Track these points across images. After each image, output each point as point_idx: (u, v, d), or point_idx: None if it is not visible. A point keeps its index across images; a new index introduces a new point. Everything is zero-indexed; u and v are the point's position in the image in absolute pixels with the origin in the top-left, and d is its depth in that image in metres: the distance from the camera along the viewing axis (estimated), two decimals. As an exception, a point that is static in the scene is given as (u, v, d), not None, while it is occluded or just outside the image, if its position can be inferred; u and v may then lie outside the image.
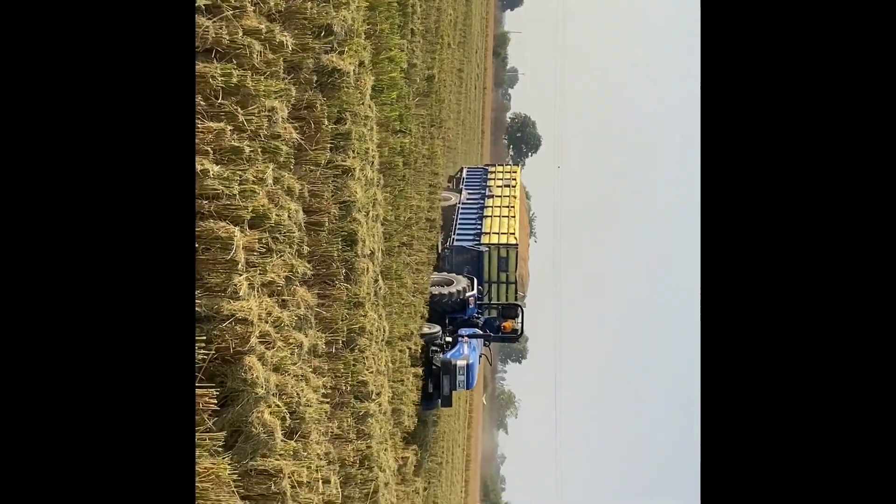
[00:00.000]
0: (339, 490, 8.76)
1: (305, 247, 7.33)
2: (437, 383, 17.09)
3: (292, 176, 6.86)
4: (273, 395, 6.30)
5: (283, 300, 6.81)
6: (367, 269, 9.79)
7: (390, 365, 11.95)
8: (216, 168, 5.09)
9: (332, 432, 8.64)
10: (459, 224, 24.84)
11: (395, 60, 11.94)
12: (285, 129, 6.40)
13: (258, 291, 5.97)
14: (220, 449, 5.26)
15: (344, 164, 8.71)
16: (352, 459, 9.51)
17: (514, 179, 28.29)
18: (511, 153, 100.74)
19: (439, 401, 17.78)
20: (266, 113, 5.98)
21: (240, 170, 5.49)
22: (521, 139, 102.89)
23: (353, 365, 9.36)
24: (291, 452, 6.92)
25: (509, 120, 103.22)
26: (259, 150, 5.82)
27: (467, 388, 18.49)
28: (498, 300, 23.26)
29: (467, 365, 17.39)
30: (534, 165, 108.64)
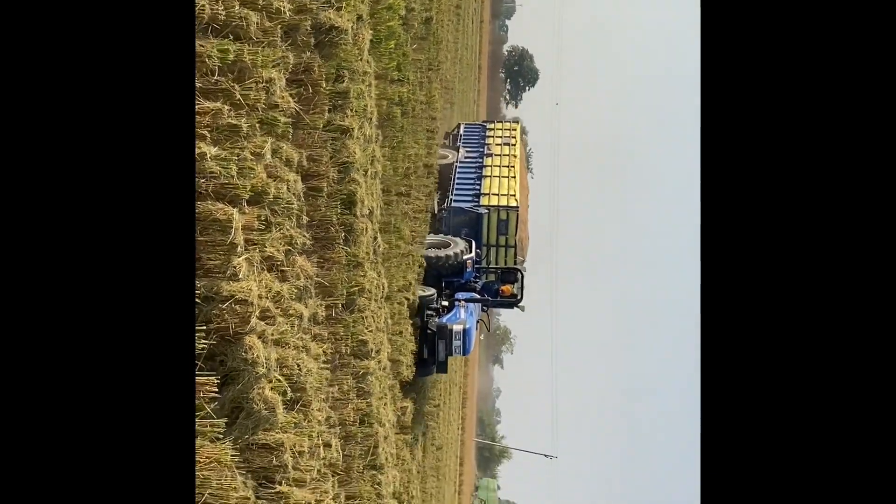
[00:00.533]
0: (340, 452, 8.76)
1: (305, 217, 7.19)
2: (432, 348, 16.32)
3: (291, 146, 6.70)
4: (274, 371, 6.23)
5: (283, 272, 6.70)
6: (366, 228, 9.67)
7: (389, 321, 11.90)
8: (213, 150, 4.95)
9: (332, 396, 8.60)
10: (457, 184, 23.75)
11: (394, 8, 11.67)
12: (283, 98, 6.22)
13: (258, 268, 5.86)
14: (221, 435, 5.20)
15: (342, 124, 8.54)
16: (352, 419, 9.50)
17: (514, 137, 27.10)
18: (508, 87, 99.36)
19: (434, 367, 17.00)
20: (263, 84, 5.80)
21: (237, 148, 5.34)
22: (518, 73, 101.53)
23: (353, 326, 9.30)
24: (293, 424, 6.88)
25: (506, 53, 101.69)
26: (256, 124, 5.66)
27: (464, 355, 17.57)
28: (497, 264, 22.30)
29: (464, 330, 16.59)
30: (531, 100, 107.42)
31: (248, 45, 5.58)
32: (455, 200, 22.81)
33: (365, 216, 9.59)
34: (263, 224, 6.03)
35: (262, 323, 5.96)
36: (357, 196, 9.02)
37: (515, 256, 22.77)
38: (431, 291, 16.82)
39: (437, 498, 23.75)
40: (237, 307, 5.51)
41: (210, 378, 4.92)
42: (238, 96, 5.22)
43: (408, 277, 14.95)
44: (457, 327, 16.50)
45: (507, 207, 22.86)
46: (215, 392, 4.99)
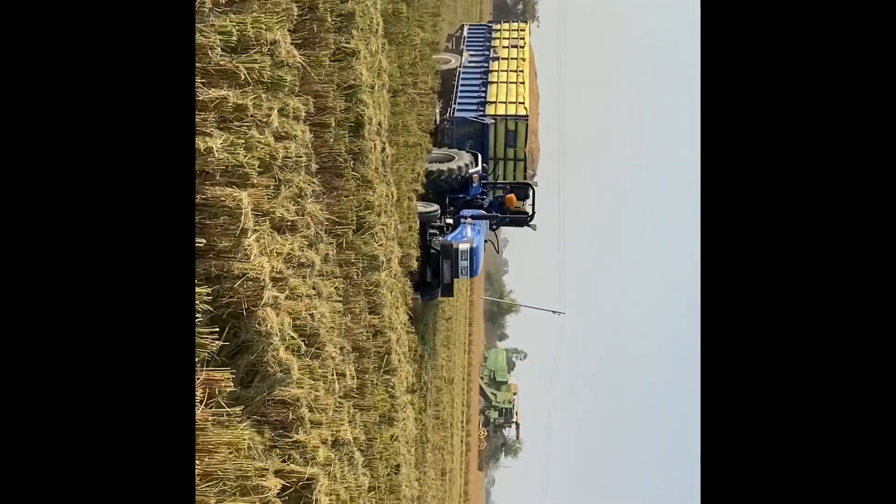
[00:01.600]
0: (355, 376, 8.85)
1: (314, 163, 7.01)
2: (436, 269, 14.95)
3: (298, 100, 6.45)
4: (288, 331, 6.20)
5: (293, 224, 6.57)
6: (375, 146, 9.47)
7: (399, 226, 11.81)
8: (219, 142, 4.75)
9: (345, 325, 8.62)
10: (461, 92, 21.75)
11: None
12: (288, 52, 5.94)
13: (268, 238, 5.74)
14: (238, 421, 5.20)
15: (348, 46, 8.23)
16: (365, 336, 9.56)
17: (523, 39, 24.80)
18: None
19: (439, 290, 15.70)
20: (268, 48, 5.53)
21: (245, 127, 5.14)
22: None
23: (364, 246, 9.23)
24: (307, 372, 6.91)
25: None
26: (262, 94, 5.43)
27: (471, 276, 16.13)
28: (505, 179, 20.63)
29: (471, 248, 15.04)
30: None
31: (250, 13, 5.28)
32: (458, 110, 20.96)
33: (373, 133, 9.38)
34: (273, 189, 5.87)
35: (275, 289, 5.89)
36: (365, 117, 8.79)
37: (525, 170, 21.26)
38: (434, 208, 15.45)
39: (448, 367, 24.29)
40: (249, 283, 5.43)
41: (224, 373, 4.88)
42: (243, 75, 4.98)
43: (416, 168, 14.78)
44: (463, 246, 15.00)
45: (516, 117, 20.93)
46: (231, 388, 4.96)
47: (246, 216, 5.01)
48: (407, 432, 13.21)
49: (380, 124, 9.81)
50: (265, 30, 5.52)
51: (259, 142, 5.32)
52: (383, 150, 10.29)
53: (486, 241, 17.73)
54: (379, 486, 10.63)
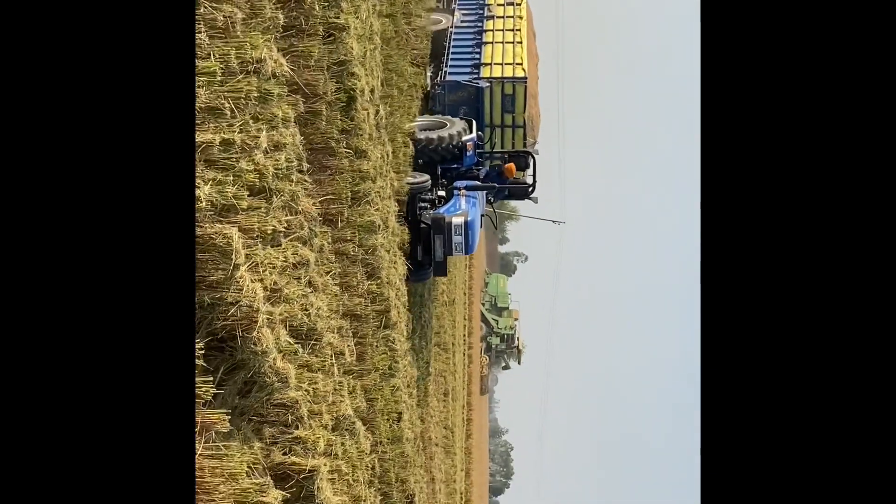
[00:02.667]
0: (353, 350, 8.92)
1: (305, 162, 6.91)
2: (427, 246, 13.60)
3: (288, 101, 6.33)
4: (284, 340, 6.22)
5: (287, 226, 6.51)
6: (368, 114, 9.33)
7: (395, 183, 11.72)
8: (207, 188, 4.67)
9: (343, 303, 8.63)
10: (453, 54, 20.33)
11: None
12: (276, 63, 5.81)
13: (261, 252, 5.71)
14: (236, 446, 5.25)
15: (338, 21, 8.03)
16: (363, 304, 9.57)
17: None
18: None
19: (431, 269, 14.44)
20: (254, 67, 5.41)
21: (233, 157, 5.05)
22: None
23: (360, 217, 9.18)
24: (304, 368, 6.96)
25: None
26: (249, 119, 5.32)
27: (466, 253, 14.49)
28: (503, 148, 19.12)
29: (465, 222, 13.62)
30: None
31: (231, 35, 5.14)
32: (450, 73, 19.50)
33: (366, 102, 9.23)
34: (264, 204, 5.80)
35: (269, 304, 5.88)
36: (357, 90, 8.63)
37: (525, 138, 19.78)
38: (424, 178, 13.97)
39: (449, 291, 24.39)
40: (243, 309, 5.41)
41: (219, 415, 4.90)
42: (229, 110, 4.87)
43: (412, 109, 14.59)
44: (456, 220, 13.61)
45: (514, 79, 19.41)
46: (226, 428, 4.99)
47: (237, 253, 4.97)
48: (408, 377, 13.38)
49: (372, 91, 9.64)
50: (251, 49, 5.38)
51: (247, 168, 5.24)
52: (377, 112, 10.14)
53: (482, 216, 16.34)
54: (381, 441, 10.82)
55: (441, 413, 21.33)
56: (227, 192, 4.88)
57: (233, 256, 4.96)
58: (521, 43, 20.68)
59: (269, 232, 5.91)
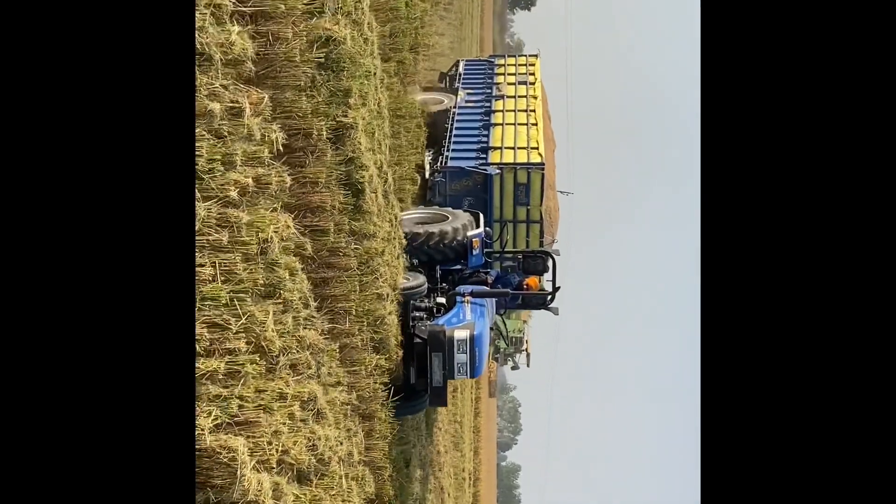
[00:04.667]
0: (363, 441, 8.75)
1: (312, 305, 6.69)
2: (422, 367, 10.64)
3: (296, 250, 6.11)
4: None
5: (294, 366, 6.30)
6: (376, 195, 9.06)
7: (402, 241, 11.38)
8: (209, 421, 4.49)
9: (349, 400, 8.38)
10: (456, 136, 17.20)
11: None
12: (285, 238, 5.59)
13: (267, 436, 5.52)
14: None
15: (345, 119, 7.73)
16: (364, 339, 9.01)
17: (534, 74, 20.27)
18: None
19: (426, 396, 11.21)
20: (260, 247, 5.19)
21: (235, 371, 4.86)
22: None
23: (367, 304, 8.92)
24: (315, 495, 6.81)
25: None
26: (256, 310, 5.11)
27: (472, 376, 11.11)
28: (515, 247, 15.92)
29: (471, 337, 10.59)
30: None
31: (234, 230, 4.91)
32: (453, 158, 16.31)
33: (375, 185, 8.98)
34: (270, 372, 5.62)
35: (275, 476, 5.71)
36: (366, 181, 8.37)
37: (542, 235, 16.50)
38: (419, 280, 11.33)
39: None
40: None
41: None
42: (234, 326, 4.67)
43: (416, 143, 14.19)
44: (460, 334, 10.60)
45: (529, 165, 16.12)
46: None
47: (243, 465, 4.80)
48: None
49: (380, 167, 9.38)
50: (258, 233, 5.18)
51: (251, 366, 5.05)
52: (385, 182, 9.89)
53: (491, 328, 13.22)
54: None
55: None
56: (231, 407, 4.70)
57: (237, 469, 4.80)
58: (535, 125, 17.59)
59: (276, 395, 5.73)
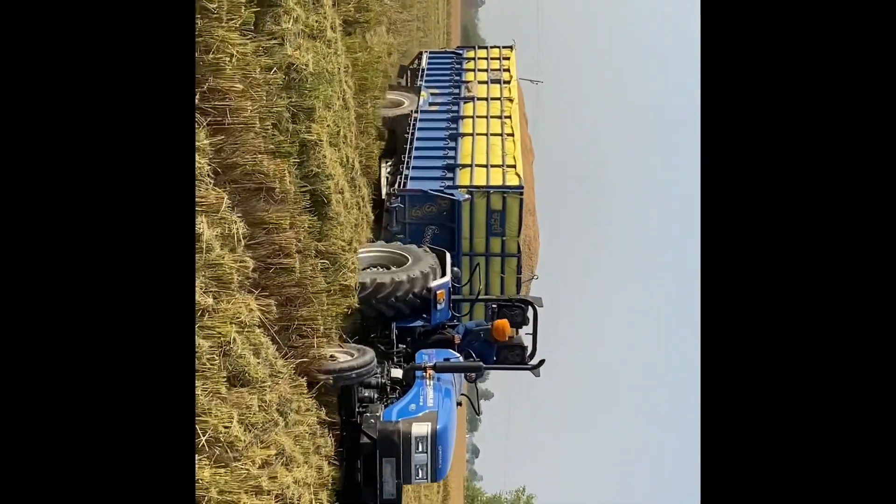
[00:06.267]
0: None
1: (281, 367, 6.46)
2: (369, 471, 8.50)
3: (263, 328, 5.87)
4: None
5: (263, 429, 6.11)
6: (343, 197, 8.79)
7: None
8: None
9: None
10: (418, 149, 14.28)
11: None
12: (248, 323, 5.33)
13: None
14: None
15: (309, 138, 7.39)
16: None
17: (508, 70, 17.27)
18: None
19: None
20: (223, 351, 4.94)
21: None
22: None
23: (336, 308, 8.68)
24: None
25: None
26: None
27: (434, 480, 8.83)
28: (487, 292, 13.10)
29: (433, 433, 8.49)
30: None
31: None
32: (414, 178, 13.43)
33: (341, 188, 8.72)
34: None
35: None
36: (332, 190, 8.10)
37: (519, 270, 13.38)
38: (366, 357, 8.53)
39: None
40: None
41: None
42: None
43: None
44: (419, 429, 8.49)
45: (505, 189, 13.11)
46: None
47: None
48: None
49: (344, 163, 9.10)
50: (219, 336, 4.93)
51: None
52: (351, 173, 9.62)
53: (459, 402, 10.22)
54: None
55: None
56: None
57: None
58: (512, 136, 14.73)
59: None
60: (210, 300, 4.91)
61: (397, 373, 9.35)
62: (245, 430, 5.36)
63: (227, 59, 5.17)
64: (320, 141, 7.51)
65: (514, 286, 13.43)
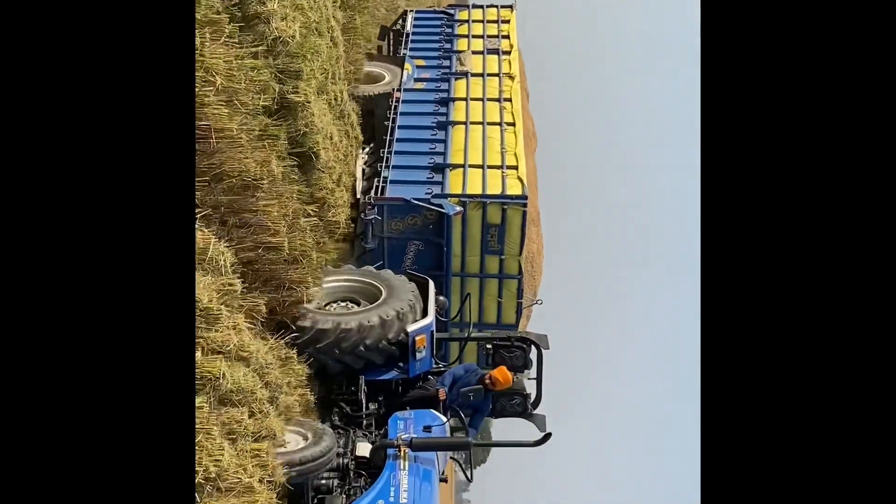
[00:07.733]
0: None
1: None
2: None
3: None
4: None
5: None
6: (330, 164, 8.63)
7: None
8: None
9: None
10: (399, 141, 11.67)
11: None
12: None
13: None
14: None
15: (296, 98, 7.15)
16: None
17: (507, 36, 14.45)
18: None
19: None
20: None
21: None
22: None
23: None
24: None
25: None
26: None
27: None
28: (481, 321, 10.82)
29: None
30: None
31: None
32: (394, 181, 10.85)
33: (328, 133, 8.52)
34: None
35: None
36: (318, 146, 7.93)
37: (520, 295, 10.94)
38: (323, 445, 6.64)
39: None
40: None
41: None
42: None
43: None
44: None
45: (505, 199, 10.50)
46: None
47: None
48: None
49: (331, 102, 8.93)
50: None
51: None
52: (338, 113, 9.39)
53: (443, 478, 7.82)
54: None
55: None
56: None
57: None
58: (513, 125, 11.98)
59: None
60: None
61: (364, 449, 7.23)
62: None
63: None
64: (308, 102, 7.31)
65: (513, 313, 11.16)
